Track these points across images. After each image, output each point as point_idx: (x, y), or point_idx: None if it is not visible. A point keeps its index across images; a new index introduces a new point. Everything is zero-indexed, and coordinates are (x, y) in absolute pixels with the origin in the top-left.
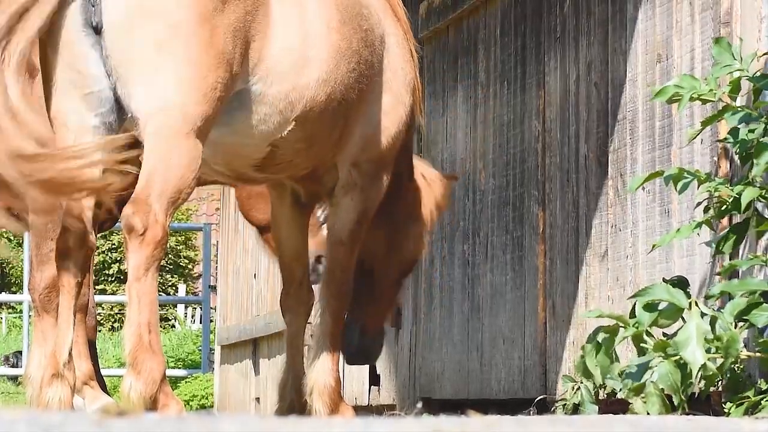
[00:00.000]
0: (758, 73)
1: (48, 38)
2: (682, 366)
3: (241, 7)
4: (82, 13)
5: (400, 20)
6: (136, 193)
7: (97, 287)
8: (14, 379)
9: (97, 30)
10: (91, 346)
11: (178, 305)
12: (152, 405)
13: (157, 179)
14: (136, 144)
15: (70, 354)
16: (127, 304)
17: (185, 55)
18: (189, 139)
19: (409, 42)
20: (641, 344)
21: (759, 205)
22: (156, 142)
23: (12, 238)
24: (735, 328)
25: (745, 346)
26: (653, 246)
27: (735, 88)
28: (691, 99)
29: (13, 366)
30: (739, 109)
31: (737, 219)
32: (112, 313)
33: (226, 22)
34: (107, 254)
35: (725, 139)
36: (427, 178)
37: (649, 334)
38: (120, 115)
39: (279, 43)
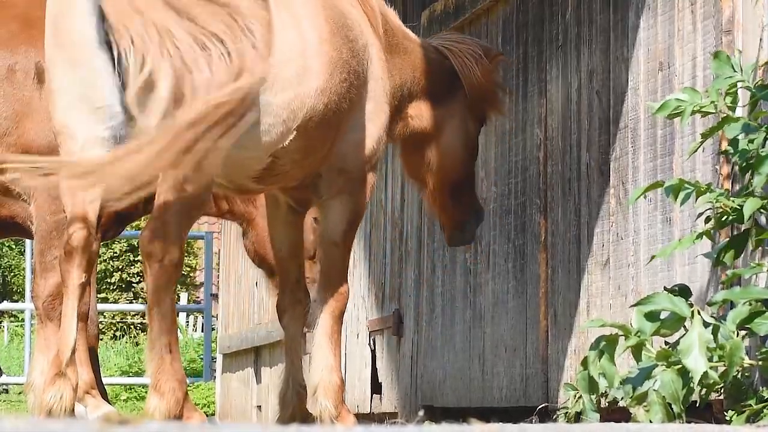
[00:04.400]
0: (759, 83)
1: (61, 54)
2: (684, 374)
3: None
4: (98, 31)
5: (376, 30)
6: (153, 217)
7: (98, 295)
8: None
9: (110, 47)
10: (93, 354)
11: (180, 313)
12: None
13: (174, 201)
14: None
15: (72, 355)
16: (148, 325)
17: None
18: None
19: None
20: (643, 353)
21: (760, 216)
22: None
23: (14, 246)
24: (737, 336)
25: (746, 354)
26: (652, 257)
27: (734, 98)
28: (693, 113)
29: None
30: (738, 119)
31: (737, 229)
32: (113, 321)
33: None
34: (109, 262)
35: (725, 151)
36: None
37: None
38: (130, 129)
39: (281, 52)
